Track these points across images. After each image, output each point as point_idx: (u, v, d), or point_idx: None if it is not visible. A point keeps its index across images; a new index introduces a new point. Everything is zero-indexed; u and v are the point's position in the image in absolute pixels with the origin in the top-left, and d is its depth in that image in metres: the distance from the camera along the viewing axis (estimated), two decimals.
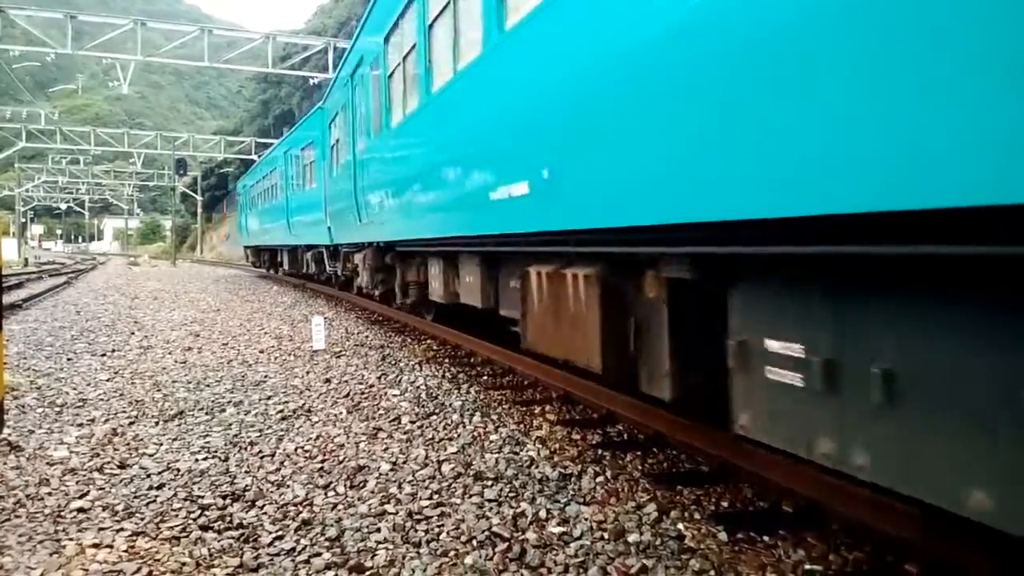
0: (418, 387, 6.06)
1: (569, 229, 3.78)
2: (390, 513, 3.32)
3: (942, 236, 1.79)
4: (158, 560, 2.86)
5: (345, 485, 3.71)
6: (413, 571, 2.75)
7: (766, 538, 2.98)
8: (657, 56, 2.78)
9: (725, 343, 2.94)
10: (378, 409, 5.32)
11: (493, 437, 4.53)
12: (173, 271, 31.88)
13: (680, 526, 3.12)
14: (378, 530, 3.12)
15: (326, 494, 3.59)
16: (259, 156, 37.83)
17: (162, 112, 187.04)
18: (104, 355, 7.93)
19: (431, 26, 6.19)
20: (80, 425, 4.95)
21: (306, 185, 15.82)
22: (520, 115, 4.29)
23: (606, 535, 3.04)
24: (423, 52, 6.38)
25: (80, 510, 3.39)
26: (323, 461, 4.11)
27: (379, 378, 6.48)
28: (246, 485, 3.71)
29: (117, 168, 78.79)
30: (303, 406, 5.44)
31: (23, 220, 69.29)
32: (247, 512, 3.35)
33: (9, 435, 4.60)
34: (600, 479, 3.72)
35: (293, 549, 2.95)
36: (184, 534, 3.11)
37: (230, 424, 4.96)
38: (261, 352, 8.10)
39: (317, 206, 13.90)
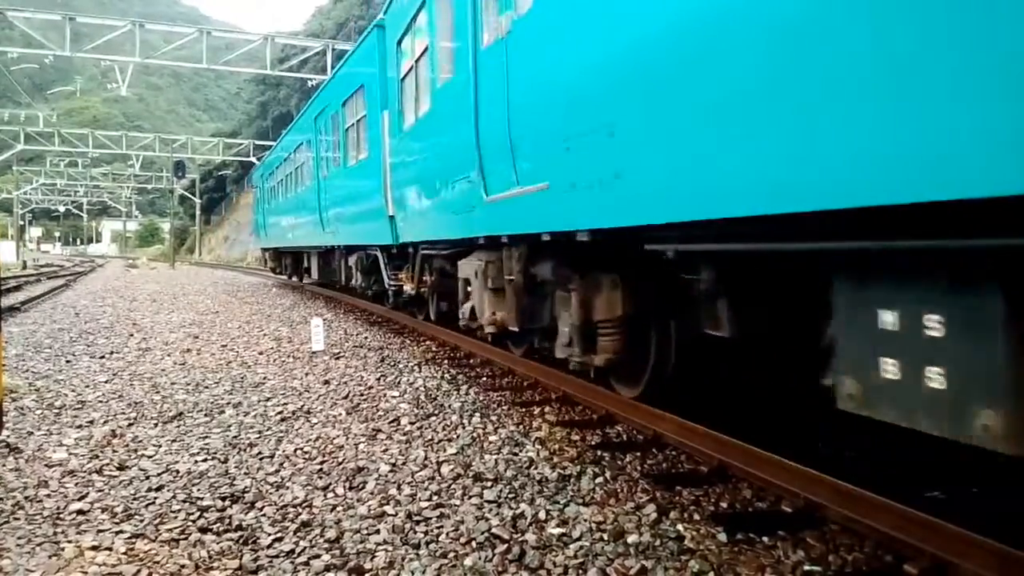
0: (417, 388, 6.06)
1: None
2: (389, 514, 3.32)
3: None
4: (157, 562, 2.86)
5: (344, 486, 3.70)
6: (412, 573, 2.75)
7: (765, 539, 2.98)
8: None
9: None
10: (377, 410, 5.32)
11: (492, 438, 4.53)
12: (171, 273, 31.85)
13: (679, 527, 3.13)
14: (377, 532, 3.12)
15: (325, 495, 3.59)
16: (258, 159, 36.85)
17: (160, 114, 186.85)
18: (103, 357, 7.92)
19: None
20: (79, 427, 4.94)
21: (350, 158, 10.89)
22: None
23: (605, 536, 3.04)
24: None
25: (79, 512, 3.39)
26: (322, 462, 4.10)
27: (378, 379, 6.47)
28: (245, 487, 3.71)
29: (115, 171, 78.75)
30: (302, 407, 5.44)
31: (21, 223, 69.21)
32: (246, 514, 3.35)
33: (8, 437, 4.59)
34: (599, 480, 3.73)
35: (292, 551, 2.95)
36: (183, 536, 3.11)
37: (229, 426, 4.95)
38: (260, 354, 8.10)
39: (371, 188, 9.31)
